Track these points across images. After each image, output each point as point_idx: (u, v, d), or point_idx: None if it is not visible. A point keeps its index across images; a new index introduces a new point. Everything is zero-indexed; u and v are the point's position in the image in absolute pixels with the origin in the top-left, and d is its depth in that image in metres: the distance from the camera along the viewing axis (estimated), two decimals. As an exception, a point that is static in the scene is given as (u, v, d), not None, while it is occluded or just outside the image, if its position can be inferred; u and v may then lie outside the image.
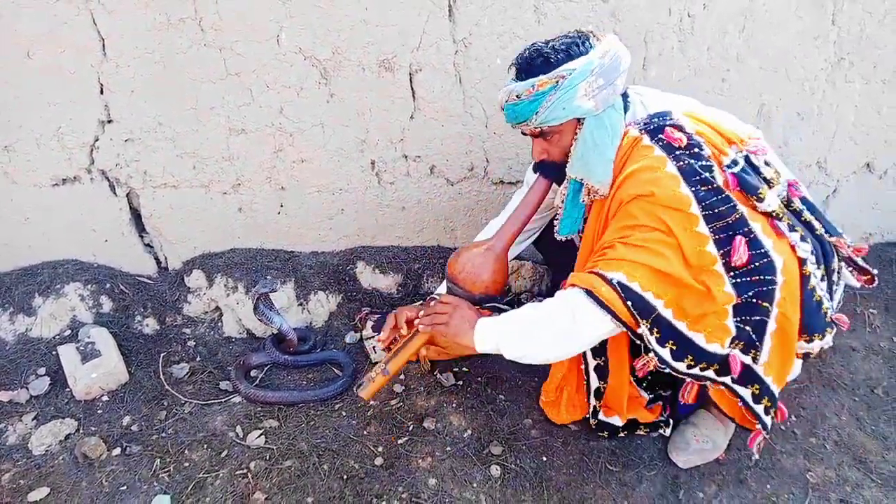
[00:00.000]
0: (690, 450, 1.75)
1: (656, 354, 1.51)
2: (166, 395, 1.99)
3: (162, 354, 2.13)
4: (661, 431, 1.86)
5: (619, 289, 1.45)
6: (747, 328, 1.49)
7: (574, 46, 1.53)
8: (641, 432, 1.86)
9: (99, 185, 2.16)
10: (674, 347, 1.49)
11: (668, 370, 1.53)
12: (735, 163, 1.54)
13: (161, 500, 1.65)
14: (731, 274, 1.47)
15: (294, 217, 2.31)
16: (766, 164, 1.59)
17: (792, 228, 1.52)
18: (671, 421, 1.86)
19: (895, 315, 2.37)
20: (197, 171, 2.17)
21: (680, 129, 1.53)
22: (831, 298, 1.61)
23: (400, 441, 1.84)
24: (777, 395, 1.59)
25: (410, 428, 1.89)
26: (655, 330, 1.48)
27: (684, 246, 1.45)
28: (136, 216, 2.27)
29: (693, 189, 1.46)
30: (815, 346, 1.56)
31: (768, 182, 1.56)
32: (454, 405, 1.97)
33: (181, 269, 2.31)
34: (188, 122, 2.08)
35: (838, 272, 1.65)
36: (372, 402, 1.97)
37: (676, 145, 1.50)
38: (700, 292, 1.46)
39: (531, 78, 1.53)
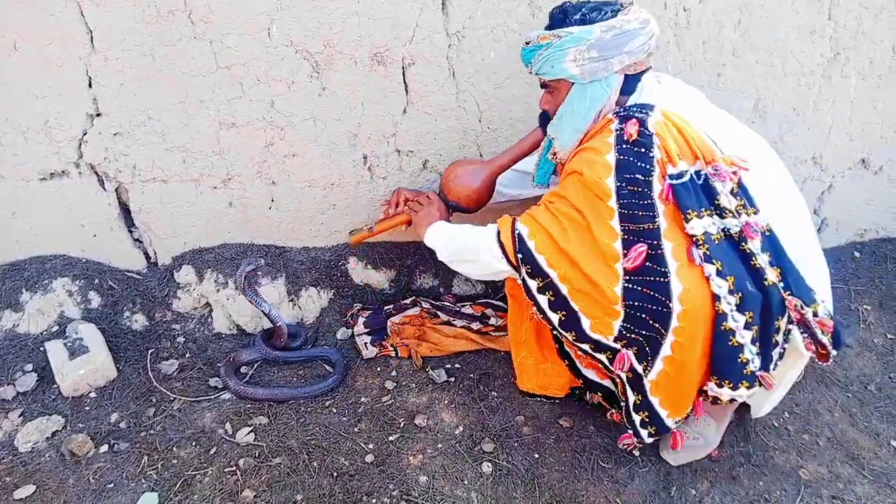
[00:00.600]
0: (681, 447, 1.74)
1: (539, 309, 1.62)
2: (155, 392, 1.97)
3: (151, 351, 2.11)
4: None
5: (516, 239, 1.61)
6: (635, 336, 1.50)
7: (594, 13, 1.56)
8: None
9: (87, 180, 2.14)
10: (563, 318, 1.59)
11: (556, 333, 1.65)
12: (680, 175, 1.48)
13: (148, 497, 1.63)
14: (626, 277, 1.48)
15: (285, 212, 2.29)
16: (733, 193, 1.50)
17: (708, 260, 1.44)
18: None
19: (889, 312, 2.37)
20: (187, 166, 2.15)
21: (641, 124, 1.51)
22: (764, 355, 1.50)
23: (391, 438, 1.83)
24: (663, 419, 1.56)
25: (402, 425, 1.88)
26: (550, 293, 1.59)
27: (597, 235, 1.51)
28: (125, 211, 2.24)
29: (619, 184, 1.49)
30: (725, 394, 1.49)
31: (720, 210, 1.48)
32: (446, 402, 1.96)
33: (171, 265, 2.29)
34: (178, 115, 2.05)
35: (786, 333, 1.54)
36: (363, 400, 1.96)
37: (626, 138, 1.51)
38: (591, 283, 1.51)
39: (545, 29, 1.62)
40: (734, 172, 1.51)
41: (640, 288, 1.47)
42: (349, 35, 2.00)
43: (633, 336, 1.51)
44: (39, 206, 2.14)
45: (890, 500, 1.68)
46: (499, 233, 1.65)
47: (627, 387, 1.60)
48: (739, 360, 1.47)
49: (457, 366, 2.11)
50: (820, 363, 1.56)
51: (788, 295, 1.49)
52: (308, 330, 2.24)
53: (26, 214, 2.15)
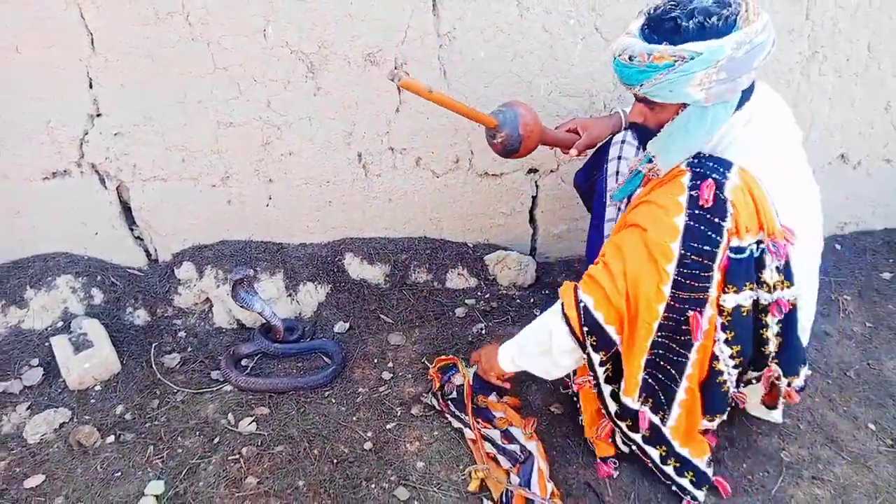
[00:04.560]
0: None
1: (597, 386, 1.62)
2: (158, 385, 2.02)
3: (153, 345, 2.16)
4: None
5: (581, 312, 1.50)
6: (654, 385, 1.56)
7: (715, 19, 1.30)
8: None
9: (89, 179, 2.19)
10: (615, 389, 1.61)
11: (603, 408, 1.66)
12: (740, 251, 1.41)
13: (155, 485, 1.68)
14: (660, 334, 1.49)
15: (282, 209, 2.34)
16: (778, 269, 1.45)
17: (724, 329, 1.48)
18: None
19: (867, 301, 2.44)
20: (186, 165, 2.20)
21: (718, 187, 1.38)
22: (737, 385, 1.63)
23: (388, 426, 1.89)
24: (690, 459, 1.64)
25: (399, 413, 1.93)
26: (610, 366, 1.58)
27: (640, 295, 1.44)
28: (126, 209, 2.29)
29: (683, 252, 1.40)
30: (714, 424, 1.64)
31: (761, 283, 1.46)
32: (441, 391, 2.02)
33: (171, 262, 2.34)
34: (176, 115, 2.11)
35: (752, 380, 1.67)
36: (361, 391, 2.02)
37: (700, 203, 1.38)
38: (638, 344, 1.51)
39: (653, 44, 1.35)
40: (785, 246, 1.45)
41: (668, 342, 1.51)
42: (343, 36, 2.05)
43: (651, 383, 1.55)
44: (42, 205, 2.19)
45: (867, 480, 1.74)
46: (563, 306, 1.53)
47: (646, 447, 1.65)
48: (727, 397, 1.60)
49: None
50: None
51: (774, 364, 1.58)
52: (306, 324, 2.29)
53: (29, 213, 2.20)
